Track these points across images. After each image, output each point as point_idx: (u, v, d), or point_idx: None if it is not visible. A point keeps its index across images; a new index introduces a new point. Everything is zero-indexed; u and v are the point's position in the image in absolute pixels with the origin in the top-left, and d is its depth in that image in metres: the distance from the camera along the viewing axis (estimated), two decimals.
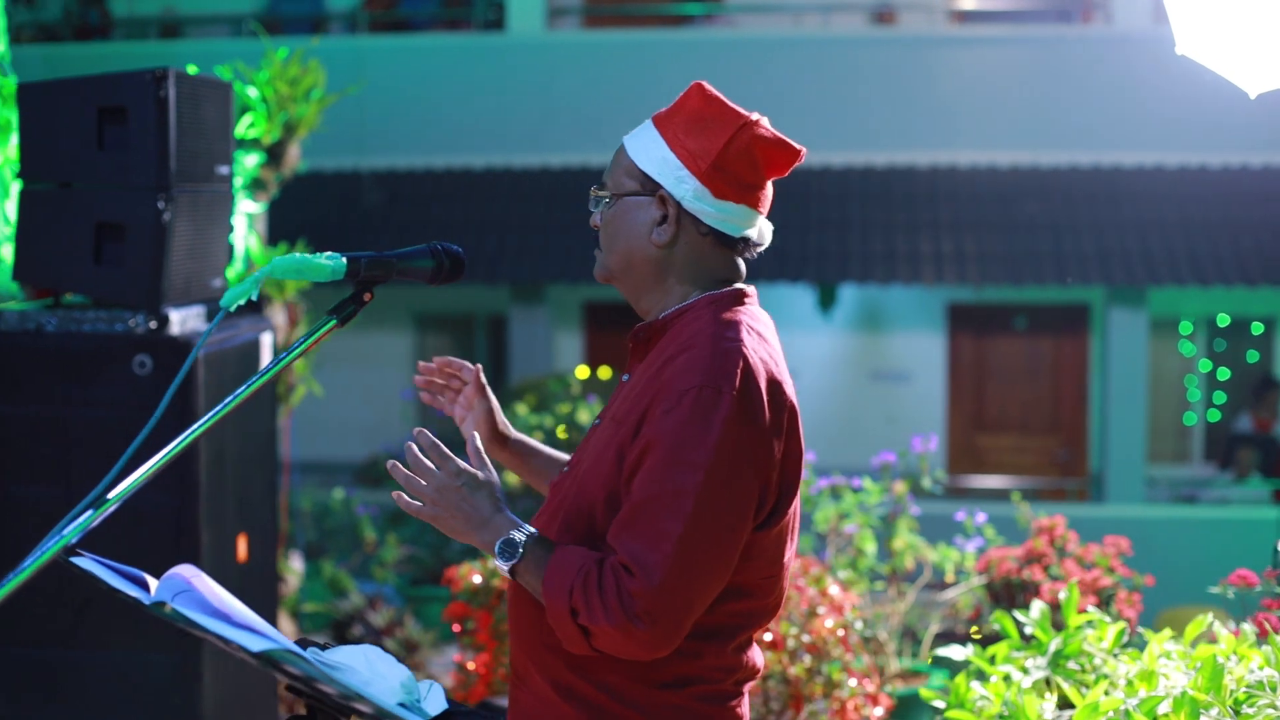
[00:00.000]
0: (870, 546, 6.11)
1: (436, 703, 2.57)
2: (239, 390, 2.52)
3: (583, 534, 2.66)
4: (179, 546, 4.88)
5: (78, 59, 12.90)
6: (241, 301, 2.56)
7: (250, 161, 6.72)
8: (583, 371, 11.70)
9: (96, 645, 4.98)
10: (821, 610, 4.93)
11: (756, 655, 2.82)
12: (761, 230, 2.84)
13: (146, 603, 2.29)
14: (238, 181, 6.84)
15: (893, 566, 6.18)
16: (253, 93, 6.64)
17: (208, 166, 5.24)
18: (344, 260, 2.65)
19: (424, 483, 2.65)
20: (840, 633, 4.91)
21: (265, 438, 5.74)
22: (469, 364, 3.13)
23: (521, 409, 9.88)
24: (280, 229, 8.00)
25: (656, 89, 12.92)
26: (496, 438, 3.12)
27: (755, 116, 2.75)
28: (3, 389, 4.96)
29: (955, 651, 3.87)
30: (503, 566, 2.63)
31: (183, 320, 5.07)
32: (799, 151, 2.78)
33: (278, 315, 6.91)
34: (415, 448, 2.67)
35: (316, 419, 10.70)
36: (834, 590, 5.03)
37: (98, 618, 4.96)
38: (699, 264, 2.78)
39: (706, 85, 2.79)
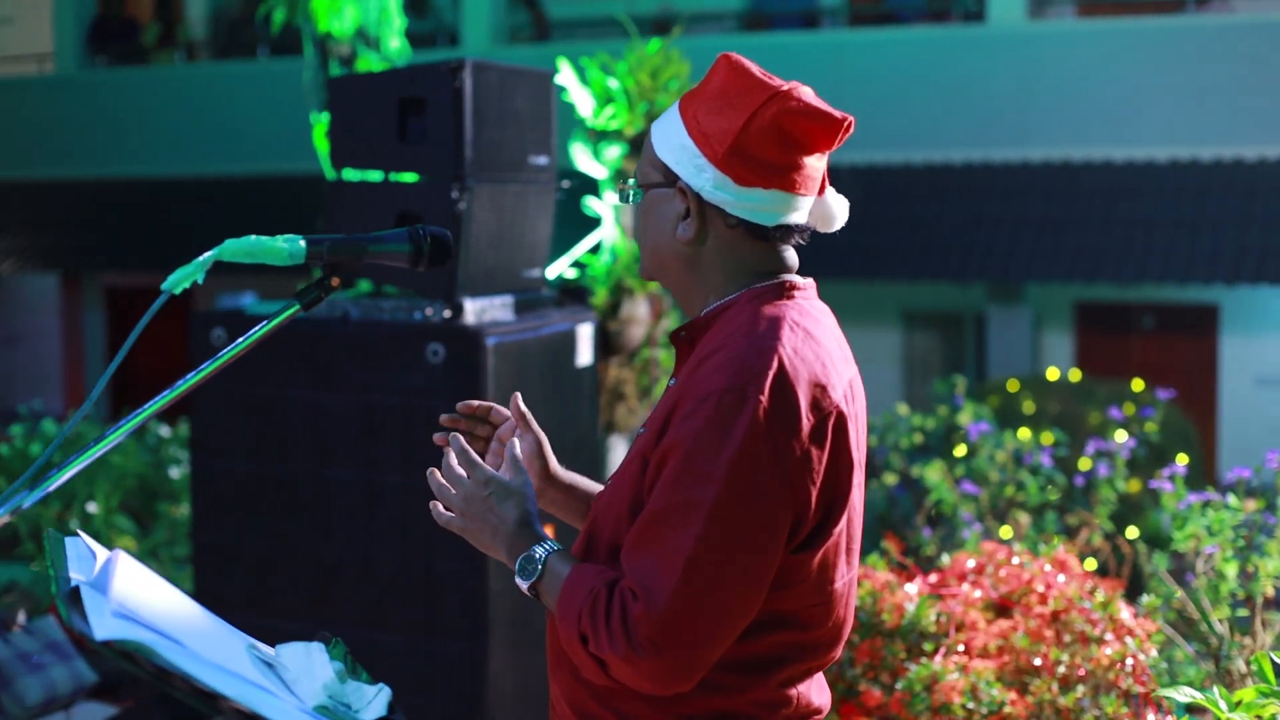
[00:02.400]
0: (1231, 569, 5.52)
1: (375, 710, 2.42)
2: (189, 376, 2.43)
3: (606, 551, 2.43)
4: None
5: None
6: (186, 285, 2.45)
7: (613, 153, 6.72)
8: (1053, 373, 11.17)
9: (394, 628, 5.07)
10: (1109, 636, 4.49)
11: (816, 692, 2.50)
12: (826, 212, 2.53)
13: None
14: (601, 173, 6.84)
15: (1249, 592, 5.55)
16: (614, 84, 6.65)
17: (517, 157, 5.26)
18: (303, 243, 2.46)
19: (453, 492, 2.50)
20: (1129, 662, 4.46)
21: (584, 428, 5.70)
22: (498, 406, 2.78)
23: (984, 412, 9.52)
24: None
25: (1149, 80, 12.40)
26: (547, 477, 2.77)
27: (787, 87, 2.42)
28: (313, 375, 5.12)
29: (1180, 693, 3.43)
30: (522, 585, 2.43)
31: (481, 310, 5.10)
32: (840, 120, 2.42)
33: (640, 308, 6.88)
34: (450, 454, 2.52)
35: None
36: (1124, 615, 4.57)
37: (396, 600, 5.05)
38: (733, 258, 2.48)
39: (735, 56, 2.49)
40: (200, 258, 2.40)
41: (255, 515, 5.18)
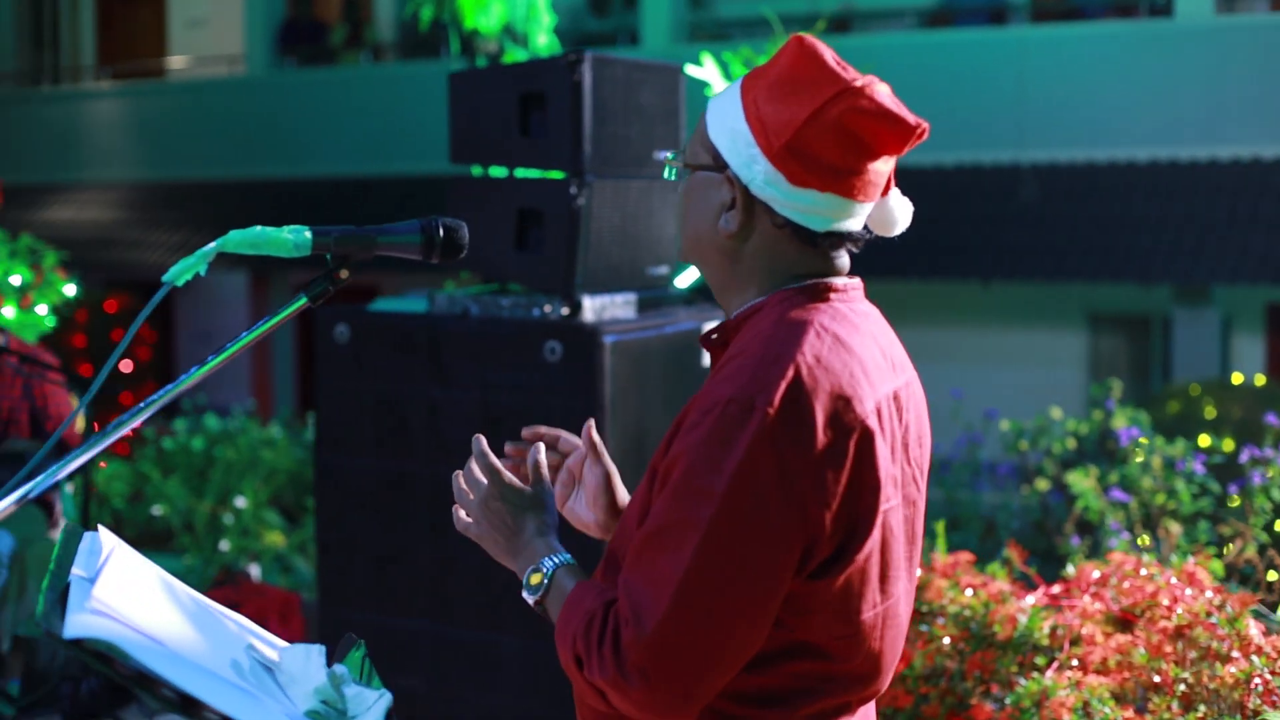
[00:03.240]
0: None
1: (372, 716, 2.34)
2: (186, 375, 2.37)
3: (619, 569, 2.27)
4: None
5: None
6: (189, 277, 2.40)
7: None
8: (1237, 378, 10.77)
9: (511, 630, 5.02)
10: (1235, 654, 4.25)
11: None
12: (887, 216, 2.34)
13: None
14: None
15: None
16: None
17: (643, 153, 5.18)
18: (308, 234, 2.34)
19: (471, 497, 2.40)
20: (1256, 682, 4.22)
21: None
22: (567, 435, 2.60)
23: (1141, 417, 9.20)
24: None
25: None
26: (615, 511, 2.57)
27: (860, 82, 2.20)
28: (434, 372, 5.09)
29: None
30: (528, 599, 2.32)
31: (601, 308, 5.02)
32: (914, 126, 2.20)
33: None
34: (472, 459, 2.42)
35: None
36: (1254, 632, 4.32)
37: (513, 602, 5.00)
38: (776, 260, 2.28)
39: (809, 39, 2.26)
40: (202, 249, 2.33)
41: (376, 512, 5.15)
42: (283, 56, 17.92)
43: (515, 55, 7.07)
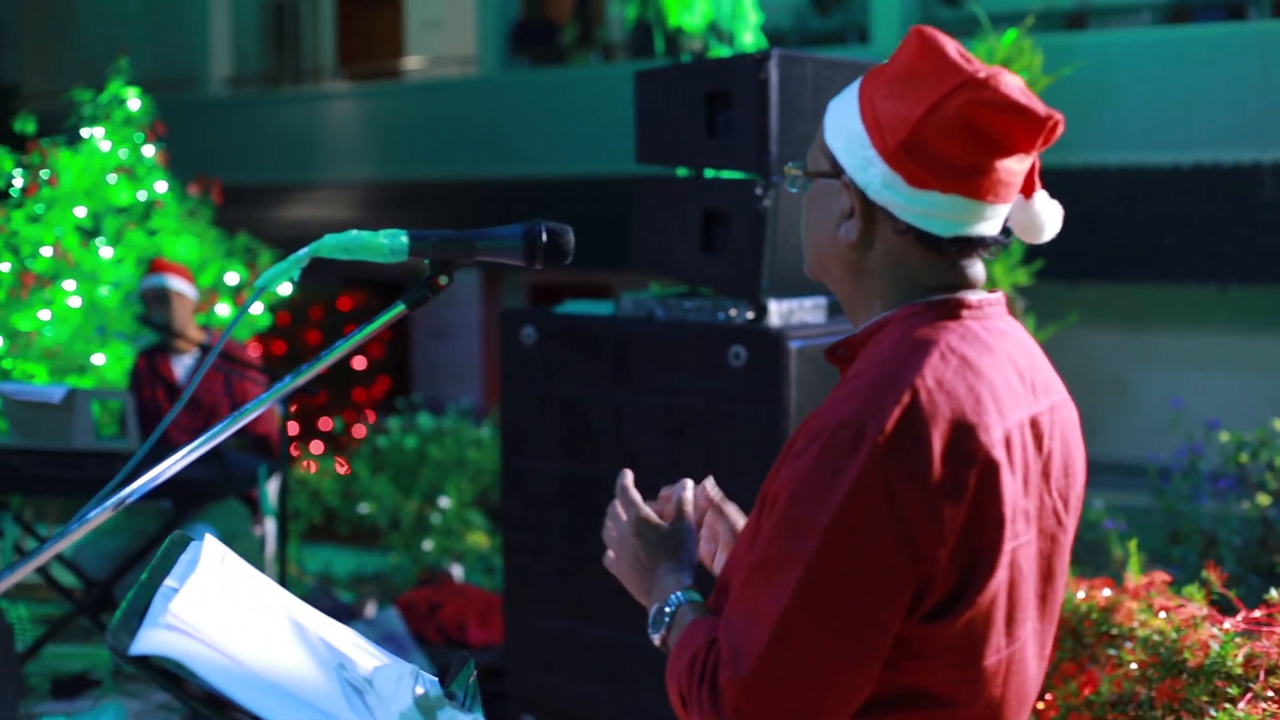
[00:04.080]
0: None
1: None
2: (287, 378, 2.32)
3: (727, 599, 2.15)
4: None
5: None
6: (281, 282, 2.36)
7: None
8: None
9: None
10: None
11: None
12: (1032, 220, 2.16)
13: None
14: None
15: None
16: None
17: None
18: (405, 239, 2.28)
19: (615, 534, 2.34)
20: None
21: None
22: (687, 490, 2.44)
23: None
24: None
25: None
26: None
27: (984, 74, 2.02)
28: (619, 376, 5.02)
29: None
30: (653, 639, 2.23)
31: (788, 312, 4.90)
32: (1044, 119, 2.01)
33: None
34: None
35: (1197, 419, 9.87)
36: None
37: None
38: (901, 269, 2.12)
39: (929, 31, 2.09)
40: (295, 254, 2.27)
41: (561, 516, 5.11)
42: (514, 57, 18.08)
43: (720, 54, 6.97)
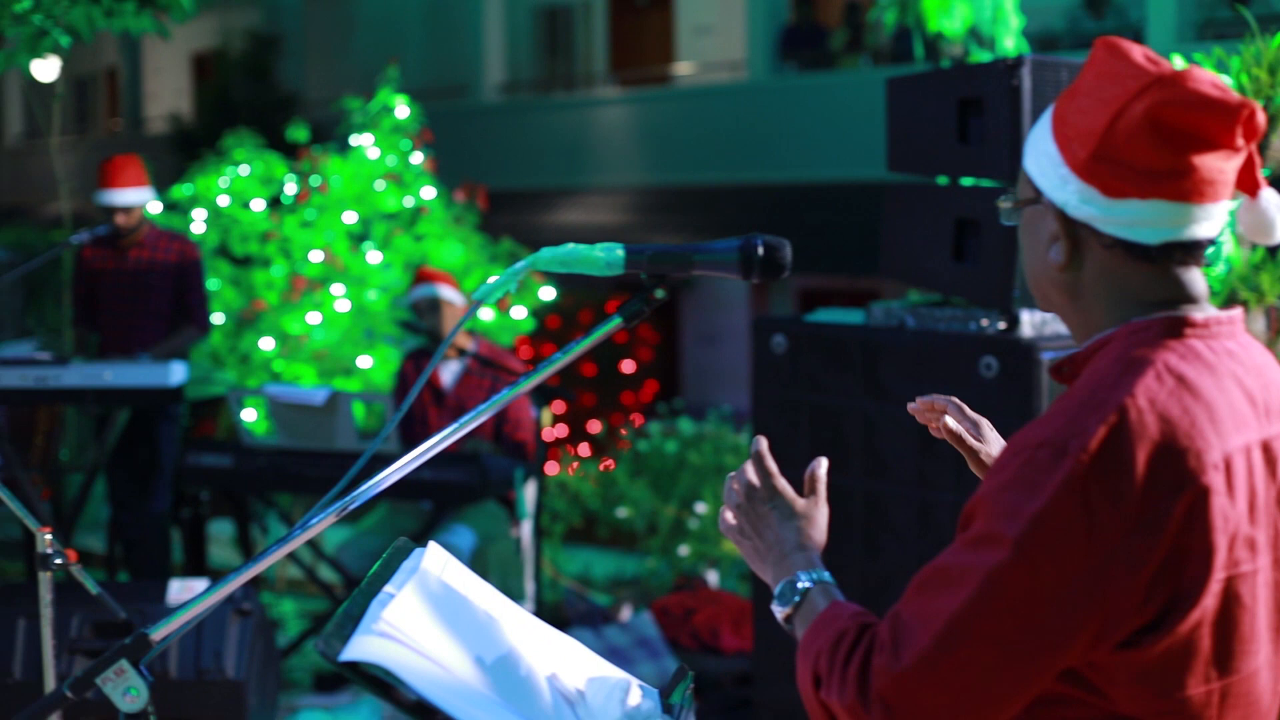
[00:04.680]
0: None
1: None
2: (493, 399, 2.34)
3: None
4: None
5: None
6: (499, 295, 2.37)
7: None
8: None
9: None
10: None
11: None
12: (1260, 220, 2.05)
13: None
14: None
15: None
16: (1225, 81, 6.12)
17: None
18: (621, 252, 2.28)
19: (741, 499, 2.29)
20: None
21: None
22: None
23: None
24: None
25: None
26: None
27: (1171, 72, 1.97)
28: (870, 386, 4.99)
29: None
30: (777, 612, 2.18)
31: (1041, 323, 4.81)
32: (1236, 108, 1.93)
33: (1257, 322, 6.28)
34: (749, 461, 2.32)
35: None
36: None
37: None
38: (1115, 285, 2.04)
39: (1115, 40, 2.05)
40: (513, 266, 2.30)
41: None
42: (783, 62, 18.05)
43: (980, 60, 6.86)
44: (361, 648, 2.01)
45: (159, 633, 2.15)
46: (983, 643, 1.89)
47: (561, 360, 2.31)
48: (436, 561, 2.35)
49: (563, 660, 2.36)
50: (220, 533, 8.78)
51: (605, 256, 2.30)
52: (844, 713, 1.96)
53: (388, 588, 2.21)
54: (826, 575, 2.17)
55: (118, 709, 2.17)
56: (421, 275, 6.92)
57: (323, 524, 2.21)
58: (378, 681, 2.00)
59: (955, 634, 1.89)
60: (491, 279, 2.34)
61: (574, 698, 2.27)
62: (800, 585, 2.15)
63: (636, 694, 2.33)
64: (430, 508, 6.56)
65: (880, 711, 1.91)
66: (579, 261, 2.31)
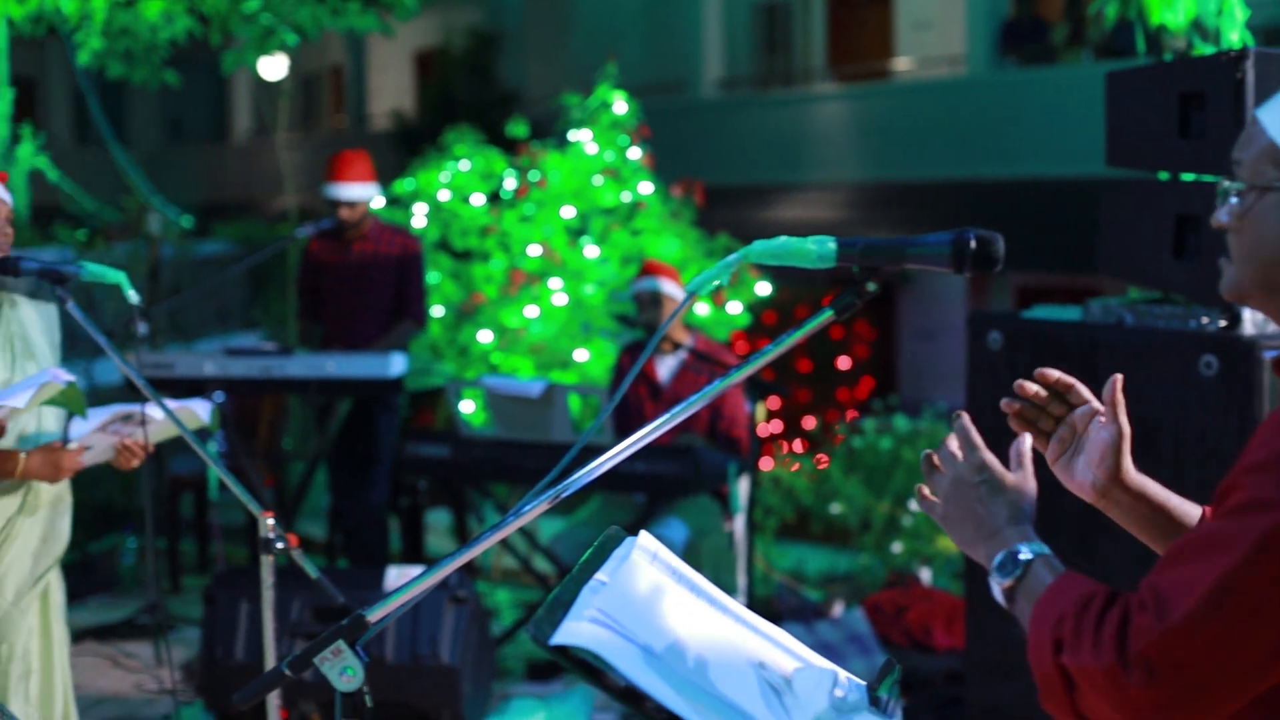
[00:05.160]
0: None
1: None
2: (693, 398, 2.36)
3: None
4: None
5: None
6: (711, 287, 2.40)
7: None
8: None
9: None
10: None
11: None
12: None
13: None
14: None
15: None
16: None
17: None
18: (833, 245, 2.27)
19: (944, 474, 2.24)
20: None
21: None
22: (1080, 385, 2.38)
23: None
24: None
25: None
26: (1116, 478, 2.37)
27: None
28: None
29: None
30: (995, 586, 2.12)
31: (1263, 321, 4.70)
32: None
33: None
34: (950, 436, 2.27)
35: None
36: None
37: None
38: None
39: None
40: (725, 259, 2.32)
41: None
42: (1003, 56, 17.83)
43: (1203, 53, 6.70)
44: (572, 632, 2.05)
45: (375, 614, 2.21)
46: (1254, 602, 1.83)
47: (773, 352, 2.32)
48: (648, 550, 2.38)
49: (771, 649, 2.38)
50: (437, 522, 8.95)
51: (817, 249, 2.31)
52: (1097, 675, 1.90)
53: (599, 575, 2.25)
54: (1048, 550, 2.12)
55: (335, 690, 2.24)
56: (646, 268, 6.94)
57: (536, 511, 2.26)
58: (587, 666, 2.04)
59: (1225, 593, 1.83)
60: (706, 272, 2.37)
61: (781, 686, 2.28)
62: (1022, 557, 2.10)
63: (844, 685, 2.33)
64: (643, 500, 6.61)
65: (1142, 672, 1.85)
66: (791, 254, 2.32)
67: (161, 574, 8.17)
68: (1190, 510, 2.37)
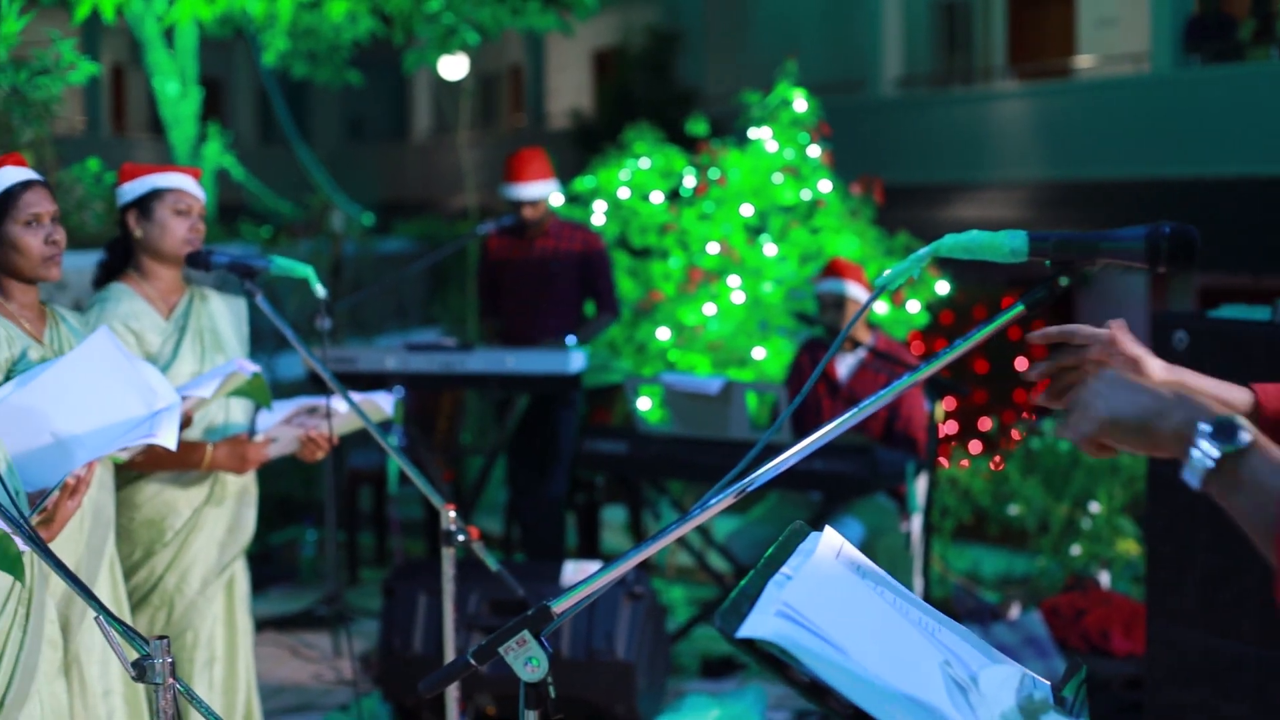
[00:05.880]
0: None
1: None
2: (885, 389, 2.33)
3: None
4: None
5: None
6: (902, 281, 2.37)
7: None
8: None
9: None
10: None
11: None
12: None
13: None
14: None
15: None
16: None
17: None
18: (1025, 239, 2.24)
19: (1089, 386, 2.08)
20: None
21: None
22: (1082, 327, 2.31)
23: None
24: None
25: None
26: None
27: None
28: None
29: None
30: (1208, 455, 1.89)
31: None
32: None
33: None
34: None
35: None
36: None
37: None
38: None
39: None
40: (917, 253, 2.30)
41: (1208, 527, 4.93)
42: (1188, 54, 17.47)
43: None
44: (759, 625, 2.04)
45: (561, 605, 2.22)
46: None
47: (959, 350, 2.29)
48: (832, 545, 2.37)
49: (957, 646, 2.35)
50: (612, 519, 8.98)
51: (1009, 243, 2.28)
52: None
53: (784, 569, 2.24)
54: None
55: (512, 683, 2.25)
56: (832, 268, 6.86)
57: (720, 506, 2.26)
58: (772, 659, 2.03)
59: None
60: (890, 268, 2.35)
61: (967, 684, 2.25)
62: (1245, 434, 1.86)
63: (1030, 685, 2.30)
64: (819, 498, 6.58)
65: None
66: (982, 248, 2.30)
67: (340, 566, 8.31)
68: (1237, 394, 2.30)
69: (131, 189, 4.56)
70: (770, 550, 2.32)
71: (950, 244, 2.31)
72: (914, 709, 2.11)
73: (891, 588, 2.39)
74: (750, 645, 2.03)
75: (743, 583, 2.19)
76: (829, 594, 2.22)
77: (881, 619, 2.27)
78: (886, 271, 2.34)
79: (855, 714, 2.05)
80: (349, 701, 6.39)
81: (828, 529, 2.41)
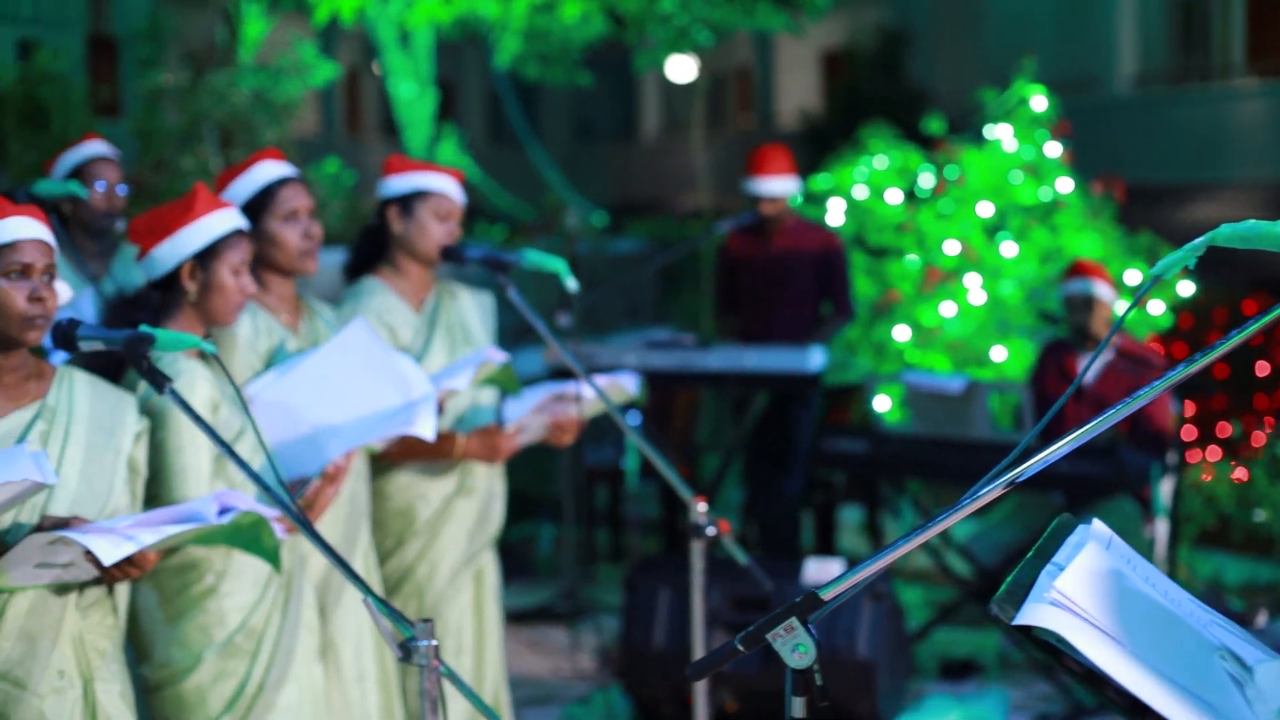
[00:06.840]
0: None
1: None
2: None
3: None
4: None
5: None
6: (1176, 271, 2.33)
7: None
8: None
9: None
10: None
11: None
12: None
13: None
14: None
15: None
16: None
17: None
18: None
19: None
20: None
21: None
22: None
23: None
24: None
25: None
26: None
27: None
28: None
29: None
30: None
31: None
32: None
33: None
34: None
35: None
36: None
37: None
38: None
39: None
40: (1192, 242, 2.26)
41: None
42: None
43: None
44: (1034, 614, 2.05)
45: (830, 592, 2.23)
46: None
47: (1223, 348, 2.24)
48: (1102, 537, 2.35)
49: (1231, 640, 2.32)
50: (848, 520, 8.95)
51: None
52: None
53: (1055, 559, 2.23)
54: None
55: (757, 676, 2.26)
56: (1078, 269, 6.74)
57: (979, 503, 2.24)
58: (1047, 648, 2.03)
59: None
60: (1149, 263, 2.31)
61: (1243, 678, 2.22)
62: None
63: None
64: (1060, 500, 6.49)
65: None
66: (1262, 238, 2.25)
67: (577, 562, 8.41)
68: None
69: (397, 184, 4.62)
70: (1040, 541, 2.31)
71: (1227, 233, 2.27)
72: (1191, 700, 2.09)
73: (1162, 580, 2.37)
74: (1027, 633, 2.04)
75: (1015, 571, 2.19)
76: (1101, 584, 2.21)
77: (1154, 610, 2.25)
78: (1161, 260, 2.30)
79: (1133, 704, 2.04)
80: (588, 694, 6.46)
81: (1095, 521, 2.39)
